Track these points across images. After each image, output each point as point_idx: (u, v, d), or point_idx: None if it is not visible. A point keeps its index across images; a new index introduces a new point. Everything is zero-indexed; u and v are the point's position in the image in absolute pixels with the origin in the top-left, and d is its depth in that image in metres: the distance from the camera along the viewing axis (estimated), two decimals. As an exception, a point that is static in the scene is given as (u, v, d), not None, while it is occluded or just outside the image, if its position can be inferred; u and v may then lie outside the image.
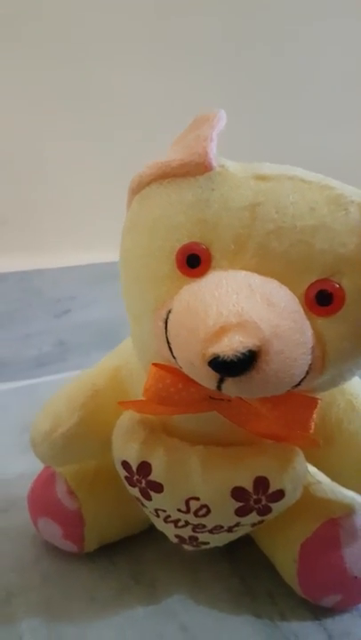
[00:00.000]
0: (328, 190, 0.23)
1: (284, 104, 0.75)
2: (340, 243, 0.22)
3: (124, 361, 0.32)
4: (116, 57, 0.64)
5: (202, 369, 0.22)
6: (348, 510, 0.31)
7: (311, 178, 0.24)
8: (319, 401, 0.29)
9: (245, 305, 0.21)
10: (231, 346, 0.21)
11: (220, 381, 0.22)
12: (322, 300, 0.23)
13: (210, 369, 0.22)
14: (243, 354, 0.21)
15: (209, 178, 0.24)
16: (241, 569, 0.36)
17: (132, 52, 0.65)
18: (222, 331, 0.21)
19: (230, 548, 0.37)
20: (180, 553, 0.36)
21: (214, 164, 0.24)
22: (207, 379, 0.23)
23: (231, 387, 0.22)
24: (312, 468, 0.32)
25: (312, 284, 0.23)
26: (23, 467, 0.42)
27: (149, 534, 0.37)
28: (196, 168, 0.24)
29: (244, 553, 0.36)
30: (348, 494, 0.32)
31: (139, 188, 0.25)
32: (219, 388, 0.23)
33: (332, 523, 0.31)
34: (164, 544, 0.36)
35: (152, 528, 0.36)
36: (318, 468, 0.32)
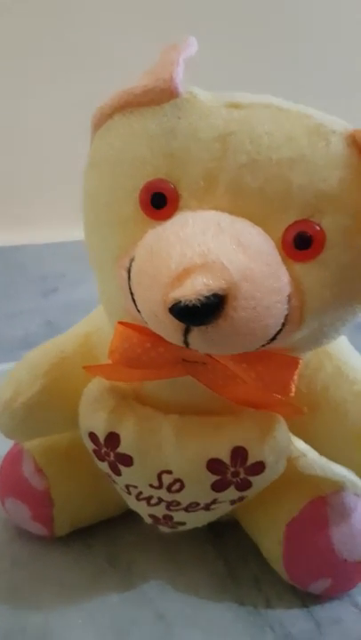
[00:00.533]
0: (307, 119, 0.21)
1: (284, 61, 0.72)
2: (321, 177, 0.20)
3: (96, 327, 0.29)
4: (104, 22, 0.62)
5: (165, 319, 0.20)
6: (337, 487, 0.28)
7: (289, 106, 0.21)
8: (304, 364, 0.26)
9: (212, 245, 0.19)
10: (194, 289, 0.18)
11: (186, 334, 0.20)
12: (300, 243, 0.20)
13: (173, 318, 0.19)
14: (207, 298, 0.18)
15: (175, 105, 0.21)
16: (226, 553, 0.33)
17: (123, 18, 0.62)
18: (185, 273, 0.19)
19: (216, 531, 0.34)
20: (161, 536, 0.33)
21: (181, 89, 0.21)
22: (172, 331, 0.20)
23: (198, 339, 0.20)
24: (299, 441, 0.30)
25: (290, 226, 0.20)
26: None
27: (129, 516, 0.34)
28: (160, 95, 0.21)
29: (231, 536, 0.34)
30: (338, 470, 0.30)
31: (100, 121, 0.23)
32: (186, 343, 0.20)
33: (320, 501, 0.28)
34: (144, 526, 0.33)
35: (131, 510, 0.34)
36: (304, 440, 0.29)
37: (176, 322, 0.19)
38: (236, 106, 0.21)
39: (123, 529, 0.35)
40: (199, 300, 0.18)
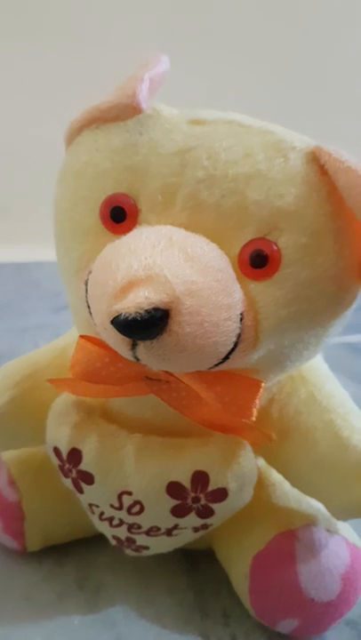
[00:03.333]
0: (268, 135, 0.20)
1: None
2: (277, 194, 0.19)
3: (73, 341, 0.29)
4: (123, 42, 0.63)
5: (111, 332, 0.19)
6: (308, 520, 0.27)
7: (252, 123, 0.21)
8: (278, 389, 0.26)
9: (159, 258, 0.19)
10: (135, 302, 0.18)
11: (134, 348, 0.19)
12: (257, 262, 0.20)
13: (116, 331, 0.19)
14: (148, 312, 0.18)
15: (138, 121, 0.21)
16: (199, 584, 0.32)
17: (140, 36, 0.64)
18: (129, 285, 0.18)
19: (192, 561, 0.33)
20: (135, 561, 0.32)
21: (144, 105, 0.21)
22: (119, 344, 0.20)
23: (145, 354, 0.19)
24: (274, 471, 0.29)
25: (246, 244, 0.20)
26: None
27: (105, 538, 0.34)
28: (124, 111, 0.21)
29: (207, 567, 0.33)
30: (312, 502, 0.28)
31: (71, 137, 0.23)
32: (136, 358, 0.20)
33: (288, 534, 0.27)
34: (120, 551, 0.33)
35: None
36: (276, 469, 0.28)
37: (121, 335, 0.19)
38: (198, 122, 0.21)
39: (97, 550, 0.34)
40: (139, 313, 0.18)
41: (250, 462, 0.25)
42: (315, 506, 0.28)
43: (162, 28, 0.65)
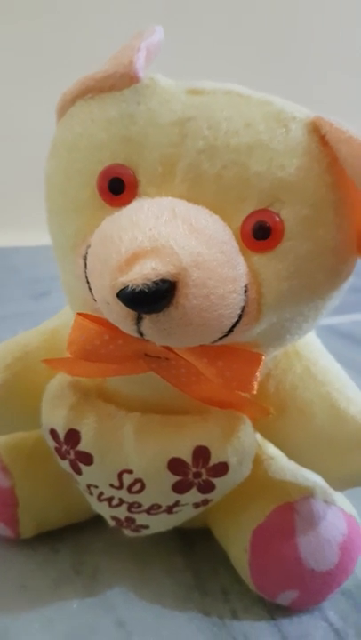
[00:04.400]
0: (268, 106, 0.20)
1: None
2: (279, 165, 0.19)
3: (64, 322, 0.29)
4: (98, 28, 0.62)
5: (115, 306, 0.19)
6: (306, 493, 0.27)
7: (251, 93, 0.21)
8: (274, 364, 0.26)
9: (164, 229, 0.18)
10: (142, 273, 0.18)
11: (139, 322, 0.19)
12: (259, 233, 0.20)
13: (122, 304, 0.18)
14: (155, 283, 0.18)
15: (135, 91, 0.21)
16: (196, 564, 0.32)
17: (117, 24, 0.63)
18: (135, 257, 0.18)
19: (188, 540, 0.33)
20: (131, 544, 0.32)
21: (141, 74, 0.21)
22: (123, 319, 0.19)
23: (150, 328, 0.19)
24: (270, 445, 0.29)
25: (249, 216, 0.20)
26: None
27: (99, 522, 0.33)
28: (121, 80, 0.21)
29: (203, 547, 0.33)
30: (309, 475, 0.29)
31: (63, 108, 0.22)
32: (140, 333, 0.20)
33: (287, 507, 0.27)
34: (114, 533, 0.32)
35: (101, 516, 0.33)
36: (273, 443, 0.28)
37: (126, 309, 0.19)
38: (196, 92, 0.21)
39: (91, 535, 0.34)
40: (147, 285, 0.18)
41: (249, 437, 0.25)
42: (311, 478, 0.29)
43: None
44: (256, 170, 0.19)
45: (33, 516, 0.31)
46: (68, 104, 0.22)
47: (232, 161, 0.19)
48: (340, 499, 0.28)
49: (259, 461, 0.28)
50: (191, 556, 0.32)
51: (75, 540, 0.33)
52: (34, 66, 0.60)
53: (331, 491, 0.28)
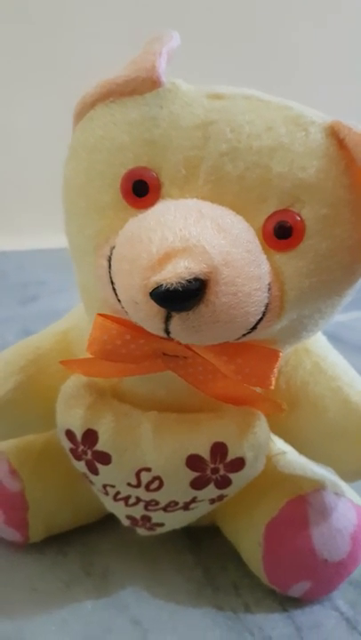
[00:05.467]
0: (287, 110, 0.21)
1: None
2: (300, 166, 0.20)
3: (74, 324, 0.29)
4: (91, 30, 0.63)
5: (145, 305, 0.19)
6: (317, 485, 0.28)
7: (270, 98, 0.21)
8: (284, 361, 0.26)
9: (193, 229, 0.19)
10: (175, 272, 0.18)
11: (167, 321, 0.20)
12: (281, 233, 0.20)
13: (153, 303, 0.19)
14: (189, 282, 0.18)
15: (157, 95, 0.21)
16: (205, 560, 0.32)
17: (108, 25, 0.63)
18: (167, 257, 0.18)
19: (195, 538, 0.34)
20: (139, 544, 0.33)
21: (163, 79, 0.21)
22: (152, 318, 0.20)
23: (179, 326, 0.20)
24: (278, 440, 0.30)
25: (270, 216, 0.20)
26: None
27: (106, 523, 0.34)
28: (143, 84, 0.21)
29: (210, 544, 0.33)
30: (317, 469, 0.29)
31: (82, 111, 0.23)
32: (167, 331, 0.20)
33: (300, 500, 0.28)
34: (122, 534, 0.33)
35: (109, 517, 0.33)
36: (284, 438, 0.29)
37: (156, 308, 0.19)
38: (217, 97, 0.21)
39: (99, 536, 0.34)
40: (181, 283, 0.18)
41: (265, 432, 0.25)
42: (319, 472, 0.29)
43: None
44: (278, 171, 0.20)
45: (42, 519, 0.31)
46: (87, 107, 0.22)
47: (255, 163, 0.20)
48: (348, 490, 0.29)
49: (268, 457, 0.29)
50: (200, 554, 0.33)
51: (82, 542, 0.33)
52: (18, 69, 0.60)
53: (340, 482, 0.29)
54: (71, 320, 0.29)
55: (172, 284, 0.18)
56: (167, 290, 0.18)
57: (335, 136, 0.21)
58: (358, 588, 0.30)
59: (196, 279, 0.18)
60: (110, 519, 0.32)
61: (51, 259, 0.60)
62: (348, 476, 0.27)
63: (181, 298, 0.18)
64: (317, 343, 0.28)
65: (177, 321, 0.19)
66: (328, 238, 0.21)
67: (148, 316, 0.20)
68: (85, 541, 0.33)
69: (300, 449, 0.28)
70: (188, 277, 0.18)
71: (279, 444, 0.30)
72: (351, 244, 0.21)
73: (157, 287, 0.18)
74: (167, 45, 0.22)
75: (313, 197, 0.20)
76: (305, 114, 0.21)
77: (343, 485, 0.29)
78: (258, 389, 0.25)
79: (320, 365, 0.27)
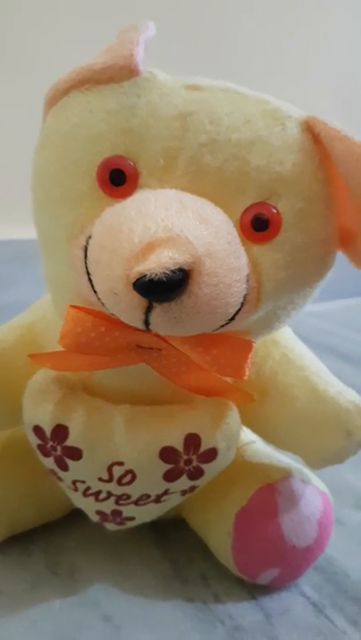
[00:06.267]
0: (264, 104, 0.21)
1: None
2: (277, 160, 0.20)
3: (40, 315, 0.28)
4: (59, 25, 0.61)
5: (126, 296, 0.19)
6: (285, 473, 0.29)
7: (247, 91, 0.22)
8: (253, 352, 0.27)
9: (176, 220, 0.19)
10: (160, 262, 0.18)
11: (148, 312, 0.19)
12: (257, 225, 0.21)
13: (135, 294, 0.19)
14: (173, 272, 0.18)
15: (135, 84, 0.21)
16: (172, 554, 0.32)
17: (77, 20, 0.62)
18: (150, 247, 0.18)
19: (161, 532, 0.34)
20: (105, 540, 0.32)
21: (141, 68, 0.21)
22: (132, 309, 0.19)
23: (159, 317, 0.19)
24: (246, 430, 0.30)
25: (248, 209, 0.21)
26: None
27: (71, 520, 0.33)
28: (120, 72, 0.21)
29: (176, 537, 0.33)
30: (281, 457, 0.30)
31: (55, 98, 0.22)
32: (147, 323, 0.20)
33: (269, 488, 0.28)
34: (87, 530, 0.32)
35: (73, 513, 0.32)
36: (253, 429, 0.29)
37: (138, 298, 0.19)
38: (195, 88, 0.21)
39: (63, 534, 0.33)
40: (165, 274, 0.18)
41: (236, 422, 0.26)
42: (284, 460, 0.30)
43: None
44: (256, 164, 0.20)
45: (6, 517, 0.30)
46: (60, 93, 0.22)
47: (233, 155, 0.20)
48: (313, 478, 0.30)
49: (238, 446, 0.29)
50: (167, 547, 0.33)
51: (47, 541, 0.33)
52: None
53: (305, 470, 0.30)
54: (36, 312, 0.29)
55: (156, 275, 0.18)
56: (151, 280, 0.18)
57: (310, 131, 0.21)
58: (323, 572, 0.31)
59: (179, 270, 0.18)
60: (75, 516, 0.32)
61: (1, 252, 0.59)
62: (316, 463, 0.28)
63: (165, 288, 0.18)
64: (285, 335, 0.28)
65: (158, 312, 0.19)
66: (304, 231, 0.21)
67: (129, 307, 0.19)
68: (49, 539, 0.33)
69: (268, 438, 0.29)
70: (173, 268, 0.18)
71: (247, 434, 0.31)
72: (324, 237, 0.22)
73: (140, 277, 0.18)
74: (144, 34, 0.21)
75: (290, 191, 0.21)
76: (282, 108, 0.21)
77: (309, 473, 0.30)
78: (229, 380, 0.26)
79: (288, 356, 0.27)
